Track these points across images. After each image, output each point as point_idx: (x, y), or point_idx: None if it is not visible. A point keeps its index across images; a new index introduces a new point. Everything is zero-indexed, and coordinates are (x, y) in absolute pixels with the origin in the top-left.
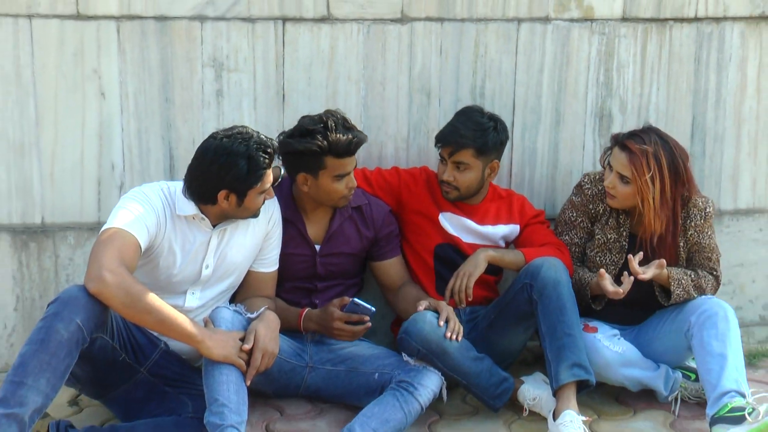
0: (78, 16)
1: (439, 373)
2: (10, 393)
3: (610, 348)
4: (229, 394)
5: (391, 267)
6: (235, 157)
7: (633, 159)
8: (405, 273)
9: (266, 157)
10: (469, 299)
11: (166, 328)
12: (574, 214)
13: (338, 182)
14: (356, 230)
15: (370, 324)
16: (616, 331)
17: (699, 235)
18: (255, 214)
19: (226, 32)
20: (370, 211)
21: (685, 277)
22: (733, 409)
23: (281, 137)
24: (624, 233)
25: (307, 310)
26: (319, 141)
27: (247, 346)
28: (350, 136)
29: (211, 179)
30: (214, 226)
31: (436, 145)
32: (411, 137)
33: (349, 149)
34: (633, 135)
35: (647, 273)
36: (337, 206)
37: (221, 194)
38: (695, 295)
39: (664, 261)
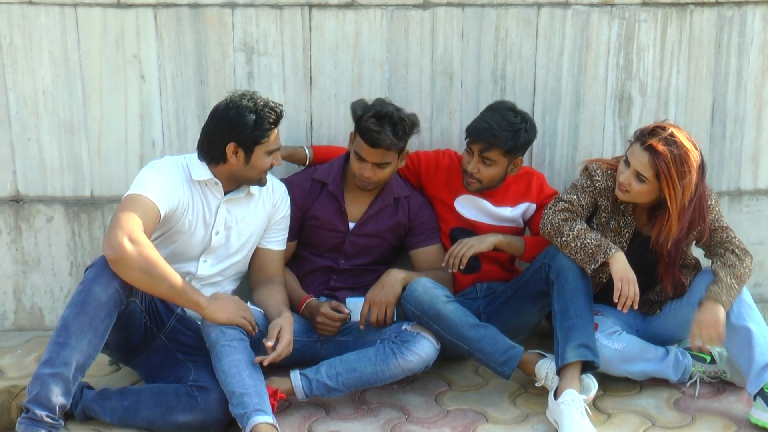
0: (118, 5)
1: (434, 341)
2: (54, 354)
3: (609, 346)
4: (243, 381)
5: (424, 255)
6: (243, 110)
7: (657, 160)
8: (439, 264)
9: (273, 114)
10: (462, 267)
11: (177, 293)
12: (579, 197)
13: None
14: (393, 217)
15: (348, 314)
16: (617, 328)
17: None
18: (261, 180)
19: (255, 18)
20: (408, 202)
21: (728, 279)
22: None
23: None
24: (627, 234)
25: (310, 299)
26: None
27: (270, 343)
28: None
29: (221, 132)
30: (225, 194)
31: (466, 138)
32: (434, 118)
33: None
34: (657, 135)
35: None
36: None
37: (230, 147)
38: (739, 288)
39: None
